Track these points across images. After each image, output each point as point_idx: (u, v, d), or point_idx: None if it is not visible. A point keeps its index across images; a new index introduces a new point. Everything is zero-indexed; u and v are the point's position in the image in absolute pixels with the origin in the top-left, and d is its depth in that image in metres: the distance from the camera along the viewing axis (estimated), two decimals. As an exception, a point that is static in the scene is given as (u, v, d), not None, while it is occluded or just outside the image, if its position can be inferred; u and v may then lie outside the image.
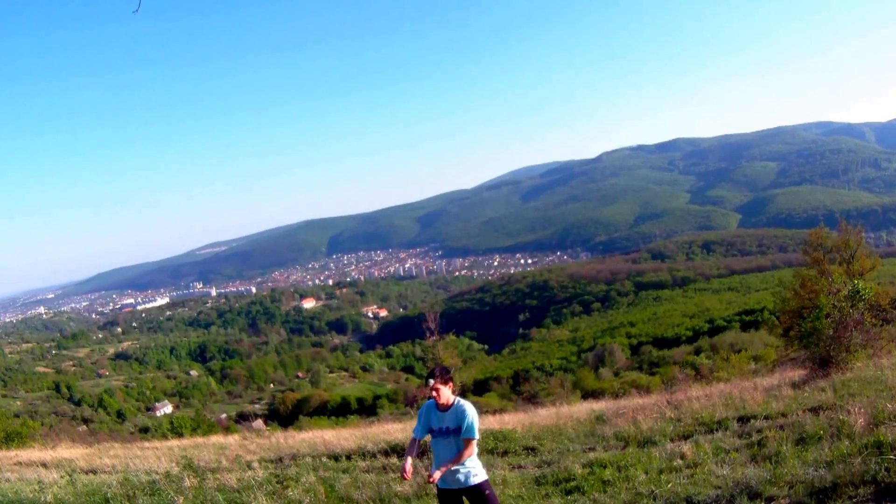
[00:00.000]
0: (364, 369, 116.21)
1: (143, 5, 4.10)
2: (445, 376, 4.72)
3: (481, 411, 5.00)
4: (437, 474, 4.52)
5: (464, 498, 4.75)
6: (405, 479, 4.62)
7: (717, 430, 8.94)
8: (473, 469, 4.69)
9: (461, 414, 4.64)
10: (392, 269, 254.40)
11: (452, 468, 4.63)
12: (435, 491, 7.15)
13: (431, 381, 4.65)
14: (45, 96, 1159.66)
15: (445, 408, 4.68)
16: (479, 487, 4.66)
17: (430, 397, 4.74)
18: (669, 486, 6.34)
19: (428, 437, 4.89)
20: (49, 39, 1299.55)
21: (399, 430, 15.22)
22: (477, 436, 4.67)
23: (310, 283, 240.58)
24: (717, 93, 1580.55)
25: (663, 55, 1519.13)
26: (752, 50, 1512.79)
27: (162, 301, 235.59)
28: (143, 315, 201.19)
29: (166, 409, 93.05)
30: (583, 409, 15.96)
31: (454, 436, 4.64)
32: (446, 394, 4.69)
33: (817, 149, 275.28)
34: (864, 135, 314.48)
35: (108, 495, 8.08)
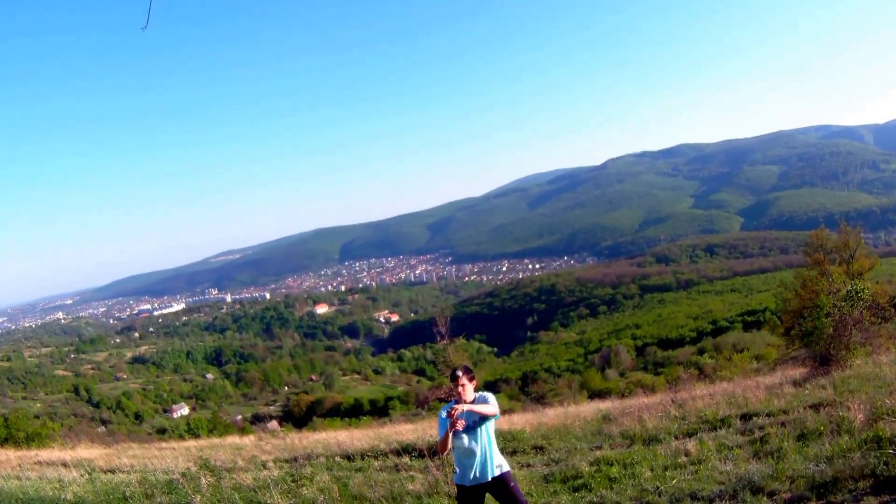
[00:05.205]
0: (376, 372, 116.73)
1: (159, 15, 4.33)
2: (469, 374, 4.77)
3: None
4: (460, 407, 4.41)
5: (486, 494, 4.75)
6: (454, 416, 4.46)
7: (720, 427, 9.02)
8: (497, 460, 4.73)
9: (482, 400, 4.68)
10: (403, 275, 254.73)
11: (472, 464, 4.63)
12: (446, 489, 7.33)
13: (458, 377, 4.69)
14: (67, 105, 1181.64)
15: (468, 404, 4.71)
16: (504, 479, 4.70)
17: (455, 394, 4.75)
18: (674, 482, 6.43)
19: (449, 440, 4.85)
20: (71, 46, 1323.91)
21: (410, 430, 15.38)
22: (496, 406, 4.67)
23: (323, 289, 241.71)
24: (719, 99, 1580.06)
25: (667, 63, 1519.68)
26: (753, 57, 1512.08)
27: (178, 307, 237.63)
28: (160, 320, 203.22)
29: (183, 410, 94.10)
30: (590, 408, 16.04)
31: (481, 426, 4.66)
32: (470, 390, 4.74)
33: (817, 152, 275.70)
34: (863, 137, 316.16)
35: (127, 493, 8.25)
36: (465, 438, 4.62)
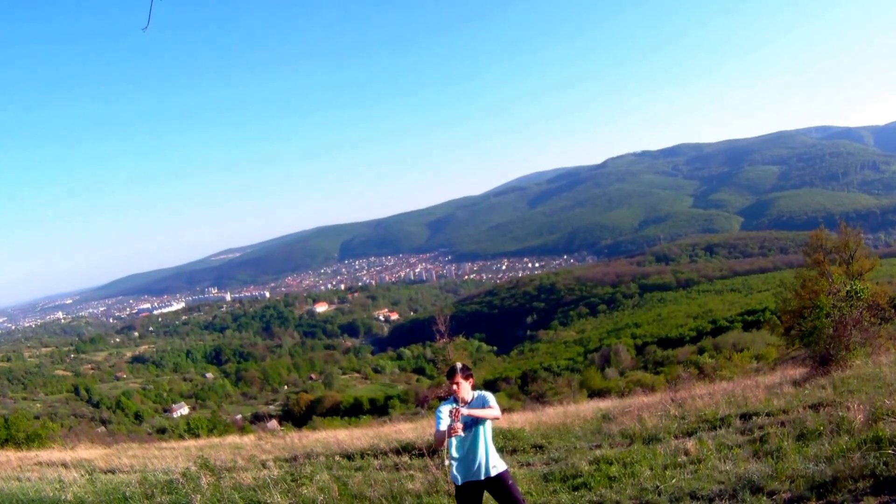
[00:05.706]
0: (376, 371, 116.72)
1: (155, 21, 4.32)
2: (467, 372, 4.79)
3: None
4: (464, 410, 4.43)
5: (485, 493, 4.77)
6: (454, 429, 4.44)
7: (720, 426, 9.03)
8: (494, 460, 4.73)
9: (481, 399, 4.70)
10: (403, 274, 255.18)
11: (465, 452, 4.64)
12: (446, 488, 7.34)
13: (454, 376, 4.71)
14: (67, 107, 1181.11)
15: (466, 403, 4.72)
16: (502, 478, 4.70)
17: (451, 392, 4.77)
18: (674, 481, 6.43)
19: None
20: (70, 52, 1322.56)
21: (410, 429, 15.37)
22: (497, 408, 4.68)
23: (322, 287, 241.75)
24: (719, 99, 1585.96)
25: (667, 64, 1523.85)
26: (754, 57, 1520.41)
27: (178, 306, 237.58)
28: (160, 319, 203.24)
29: (183, 410, 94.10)
30: (589, 407, 16.11)
31: (479, 425, 4.66)
32: (467, 388, 4.75)
33: (817, 152, 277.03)
34: (863, 138, 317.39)
35: (127, 494, 8.25)
36: (462, 437, 4.63)
